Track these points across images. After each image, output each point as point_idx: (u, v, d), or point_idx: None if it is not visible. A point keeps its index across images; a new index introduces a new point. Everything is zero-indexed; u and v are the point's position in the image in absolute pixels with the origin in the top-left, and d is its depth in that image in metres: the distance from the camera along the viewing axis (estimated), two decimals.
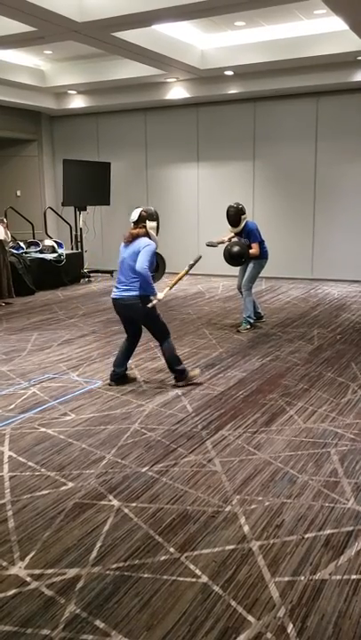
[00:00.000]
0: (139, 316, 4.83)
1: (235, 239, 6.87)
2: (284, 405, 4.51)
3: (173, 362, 4.97)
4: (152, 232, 4.78)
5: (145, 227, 4.76)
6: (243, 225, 6.77)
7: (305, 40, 8.50)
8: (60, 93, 11.44)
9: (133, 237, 4.74)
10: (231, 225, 6.81)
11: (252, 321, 6.92)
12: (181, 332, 6.90)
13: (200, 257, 5.42)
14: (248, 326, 6.86)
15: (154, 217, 4.79)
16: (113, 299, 4.88)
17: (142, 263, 4.60)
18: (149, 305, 4.72)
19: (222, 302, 8.74)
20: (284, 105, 10.48)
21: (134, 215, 4.77)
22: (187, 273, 5.28)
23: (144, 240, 4.71)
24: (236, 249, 6.68)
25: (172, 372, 5.03)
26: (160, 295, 4.79)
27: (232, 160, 11.09)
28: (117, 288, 4.83)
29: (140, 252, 4.63)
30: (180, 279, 5.26)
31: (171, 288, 5.11)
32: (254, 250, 6.76)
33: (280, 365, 5.53)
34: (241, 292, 7.03)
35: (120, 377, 5.06)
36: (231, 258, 6.74)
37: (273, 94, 10.28)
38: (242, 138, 10.91)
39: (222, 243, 6.96)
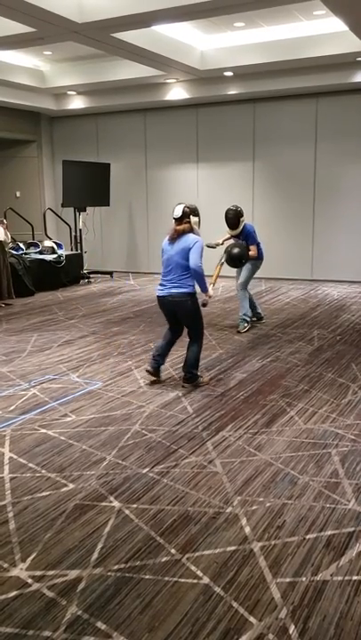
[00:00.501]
0: (186, 313, 4.84)
1: (232, 241, 6.90)
2: (285, 406, 4.50)
3: (193, 364, 4.98)
4: (195, 227, 4.79)
5: (189, 222, 4.75)
6: (241, 227, 6.80)
7: (305, 41, 8.51)
8: (59, 94, 11.44)
9: (179, 234, 4.73)
10: (231, 227, 6.84)
11: (248, 319, 6.94)
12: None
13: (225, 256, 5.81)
14: (246, 324, 6.88)
15: (196, 212, 4.80)
16: (160, 296, 4.85)
17: (197, 261, 4.65)
18: (205, 302, 4.95)
19: (222, 303, 8.74)
20: (283, 106, 10.49)
21: (178, 211, 4.75)
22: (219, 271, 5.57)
23: (192, 236, 4.72)
24: (236, 251, 6.71)
25: (186, 372, 4.99)
26: (211, 292, 4.96)
27: (232, 161, 11.10)
28: (164, 285, 4.81)
29: (192, 248, 4.65)
30: (217, 277, 5.59)
31: (213, 285, 5.18)
32: (253, 252, 6.82)
33: (280, 366, 5.53)
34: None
35: (158, 368, 5.04)
36: (232, 259, 6.76)
37: (272, 95, 10.29)
38: (241, 139, 10.92)
39: (218, 245, 7.02)
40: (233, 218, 6.75)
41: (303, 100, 10.27)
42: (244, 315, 6.91)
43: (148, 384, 5.06)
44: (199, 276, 4.71)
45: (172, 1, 6.33)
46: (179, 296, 4.74)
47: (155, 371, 5.05)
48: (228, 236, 6.99)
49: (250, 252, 6.76)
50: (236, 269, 7.09)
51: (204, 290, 4.85)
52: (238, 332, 6.83)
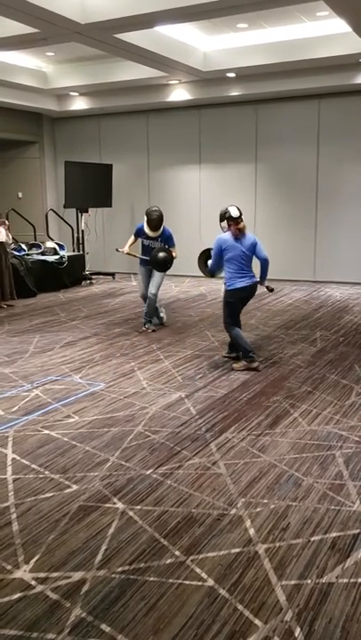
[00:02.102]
0: (253, 296, 5.66)
1: (159, 244, 6.89)
2: (288, 408, 4.49)
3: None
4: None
5: (243, 221, 5.47)
6: (162, 230, 6.82)
7: (307, 42, 8.50)
8: (61, 95, 11.45)
9: (242, 232, 5.42)
10: (153, 229, 6.78)
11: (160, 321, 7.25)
12: (183, 334, 6.89)
13: None
14: (153, 327, 7.08)
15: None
16: (247, 286, 5.43)
17: (265, 253, 5.51)
18: (271, 288, 5.66)
19: None
20: (286, 107, 10.48)
21: (236, 212, 5.41)
22: None
23: (250, 233, 5.53)
24: (162, 255, 6.74)
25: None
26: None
27: (234, 162, 11.09)
28: (246, 276, 5.44)
29: (258, 244, 5.48)
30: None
31: None
32: (175, 254, 6.90)
33: (283, 368, 5.51)
34: (145, 300, 7.05)
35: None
36: (158, 264, 6.77)
37: (275, 96, 10.28)
38: (244, 140, 10.91)
39: (123, 252, 7.02)
40: (157, 219, 6.72)
41: (306, 101, 10.26)
42: (158, 317, 7.18)
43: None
44: (268, 266, 5.54)
45: (175, 2, 6.33)
46: (255, 284, 5.51)
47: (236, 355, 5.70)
48: (132, 241, 7.01)
49: (173, 254, 6.85)
50: (141, 277, 7.05)
51: (265, 277, 5.57)
52: (143, 331, 7.00)
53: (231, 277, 5.42)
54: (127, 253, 7.02)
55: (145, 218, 6.79)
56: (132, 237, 7.04)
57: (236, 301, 5.54)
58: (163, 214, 6.81)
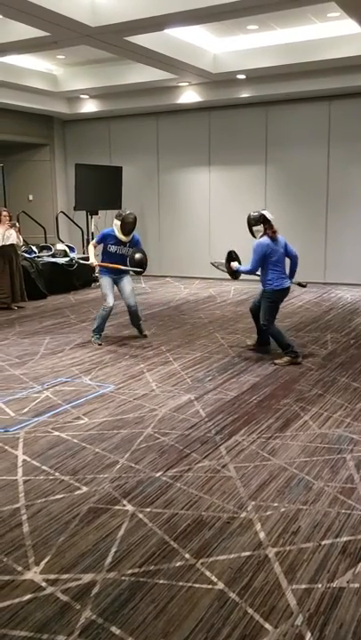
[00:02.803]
0: None
1: (127, 249, 6.55)
2: (299, 411, 4.47)
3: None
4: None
5: None
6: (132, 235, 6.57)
7: (318, 43, 8.48)
8: (72, 98, 11.49)
9: (276, 234, 5.70)
10: (127, 233, 6.44)
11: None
12: (193, 336, 6.89)
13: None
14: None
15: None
16: (289, 286, 5.78)
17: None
18: (303, 283, 6.17)
19: (234, 306, 8.71)
20: (296, 109, 10.46)
21: (271, 215, 5.69)
22: None
23: (279, 235, 5.79)
24: (138, 255, 6.46)
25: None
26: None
27: (244, 164, 11.08)
28: (286, 277, 5.77)
29: (287, 242, 5.81)
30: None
31: None
32: (147, 257, 6.65)
33: (294, 370, 5.49)
34: (109, 308, 6.58)
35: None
36: (137, 265, 6.50)
37: (285, 98, 10.26)
38: (254, 142, 10.90)
39: (93, 264, 6.66)
40: (134, 223, 6.42)
41: (316, 102, 10.24)
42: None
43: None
44: (297, 262, 5.85)
45: (186, 4, 6.34)
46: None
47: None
48: (95, 250, 6.62)
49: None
50: (108, 286, 6.57)
51: (295, 274, 5.87)
52: (145, 335, 6.87)
53: (278, 278, 5.68)
54: (97, 265, 6.60)
55: (118, 222, 6.39)
56: (93, 247, 6.63)
57: (279, 301, 5.82)
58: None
